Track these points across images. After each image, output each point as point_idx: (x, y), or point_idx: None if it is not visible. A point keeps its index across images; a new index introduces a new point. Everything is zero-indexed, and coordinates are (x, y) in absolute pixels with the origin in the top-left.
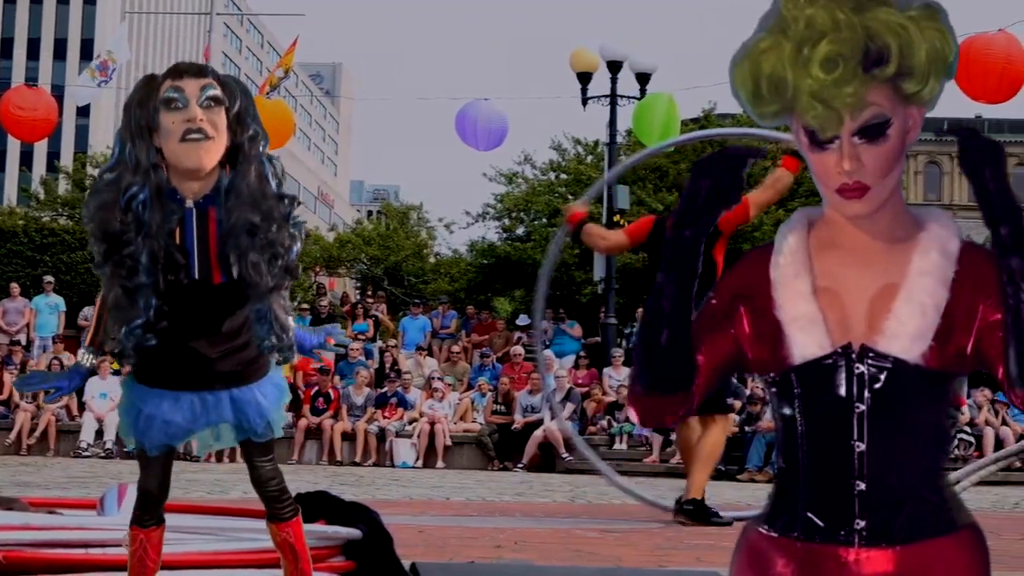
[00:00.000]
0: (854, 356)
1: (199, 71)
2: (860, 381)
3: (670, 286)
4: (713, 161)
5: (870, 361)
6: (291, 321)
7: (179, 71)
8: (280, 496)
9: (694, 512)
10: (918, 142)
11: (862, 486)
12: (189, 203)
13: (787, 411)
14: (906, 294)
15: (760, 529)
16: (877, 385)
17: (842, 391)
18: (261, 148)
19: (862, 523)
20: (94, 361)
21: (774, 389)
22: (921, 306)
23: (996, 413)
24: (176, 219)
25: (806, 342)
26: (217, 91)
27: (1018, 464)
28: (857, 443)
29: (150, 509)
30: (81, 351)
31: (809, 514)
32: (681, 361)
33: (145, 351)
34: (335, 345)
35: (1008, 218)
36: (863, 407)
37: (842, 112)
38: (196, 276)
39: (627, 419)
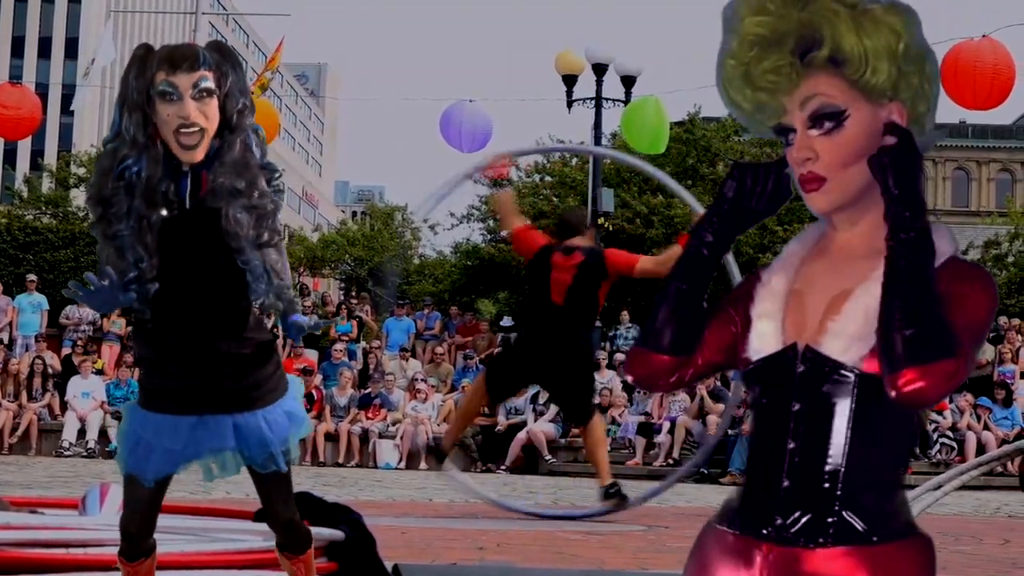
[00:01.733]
0: (798, 356)
1: (192, 64)
2: (801, 380)
3: (708, 244)
4: (741, 166)
5: (811, 362)
6: (288, 278)
7: (173, 64)
8: (293, 529)
9: (617, 491)
10: None
11: (786, 484)
12: (185, 167)
13: (751, 406)
14: (855, 296)
15: (713, 523)
16: (815, 386)
17: (784, 390)
18: (248, 120)
19: (779, 520)
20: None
21: (744, 387)
22: (864, 309)
23: (978, 418)
24: (170, 176)
25: (760, 339)
26: (209, 82)
27: (999, 469)
28: (789, 441)
29: (135, 544)
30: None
31: (740, 507)
32: (687, 325)
33: (148, 360)
34: (311, 326)
35: (909, 205)
36: (799, 406)
37: (774, 95)
38: (188, 206)
39: (612, 421)
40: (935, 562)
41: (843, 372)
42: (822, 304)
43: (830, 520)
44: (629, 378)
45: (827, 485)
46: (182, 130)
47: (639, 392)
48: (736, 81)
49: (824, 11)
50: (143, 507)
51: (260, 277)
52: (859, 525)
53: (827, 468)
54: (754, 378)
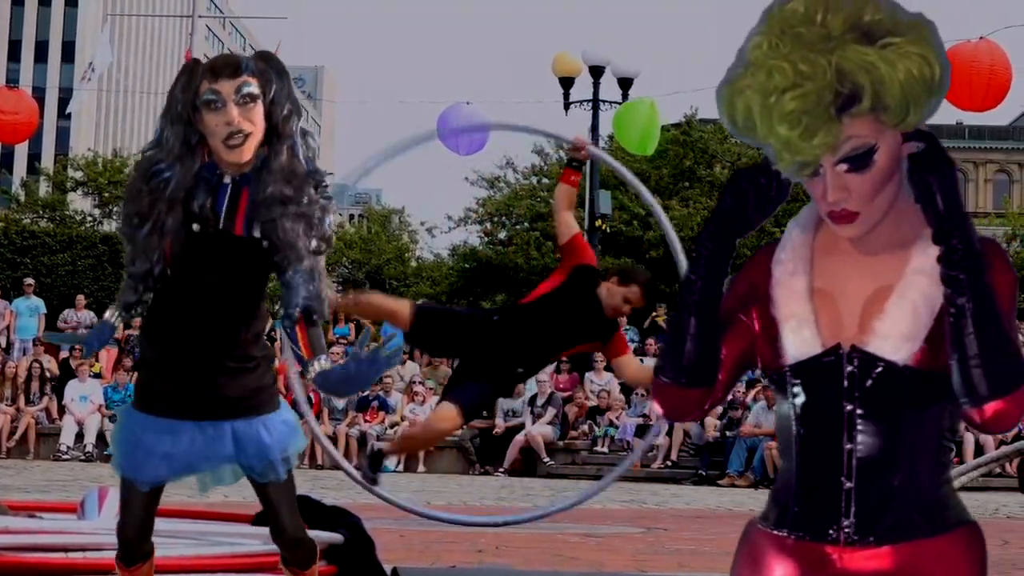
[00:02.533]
0: (844, 357)
1: (234, 71)
2: (850, 381)
3: (696, 283)
4: (742, 176)
5: (859, 362)
6: (326, 291)
7: (216, 72)
8: (299, 546)
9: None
10: None
11: (849, 485)
12: (227, 179)
13: (784, 409)
14: (898, 294)
15: (759, 525)
16: (866, 386)
17: (832, 391)
18: (294, 127)
19: (848, 522)
20: (118, 321)
21: (773, 387)
22: (913, 306)
23: None
24: (208, 189)
25: (797, 342)
26: (252, 87)
27: (998, 470)
28: (846, 443)
29: (133, 548)
30: (110, 309)
31: (799, 511)
32: (707, 354)
33: (150, 362)
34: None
35: (957, 229)
36: (852, 407)
37: (818, 157)
38: (220, 226)
39: (610, 423)
40: (985, 545)
41: (895, 370)
42: (857, 302)
43: (895, 518)
44: (660, 411)
45: (891, 483)
46: (229, 140)
47: (637, 394)
48: (777, 147)
49: (857, 60)
50: (139, 511)
51: (295, 289)
52: (921, 519)
53: (887, 466)
54: (795, 381)
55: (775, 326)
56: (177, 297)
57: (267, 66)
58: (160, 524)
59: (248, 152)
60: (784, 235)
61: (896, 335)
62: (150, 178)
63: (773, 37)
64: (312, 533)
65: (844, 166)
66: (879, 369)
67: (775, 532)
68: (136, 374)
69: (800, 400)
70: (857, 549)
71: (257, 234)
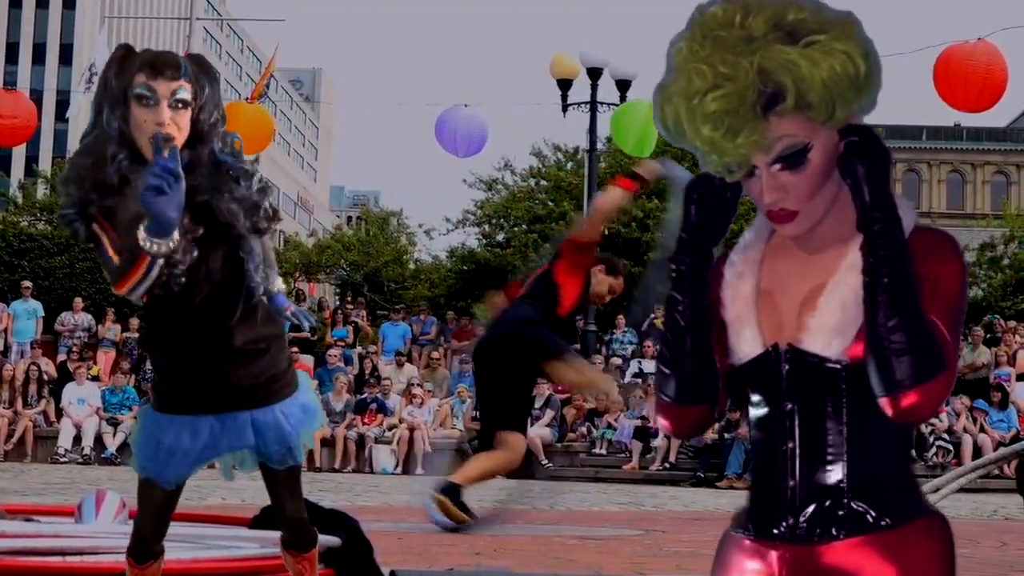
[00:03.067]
0: (781, 356)
1: (173, 73)
2: (787, 380)
3: (682, 301)
4: (697, 184)
5: (794, 360)
6: (275, 273)
7: (155, 70)
8: (301, 528)
9: (450, 493)
10: (897, 150)
11: (793, 483)
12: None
13: (747, 412)
14: (829, 290)
15: (729, 530)
16: (802, 383)
17: (773, 391)
18: (218, 132)
19: (794, 520)
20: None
21: (728, 391)
22: (841, 301)
23: (974, 420)
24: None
25: (740, 344)
26: (186, 93)
27: (996, 472)
28: (788, 441)
29: (147, 546)
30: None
31: (754, 511)
32: (703, 370)
33: (160, 367)
34: (294, 317)
35: (880, 216)
36: (792, 405)
37: (746, 159)
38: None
39: (608, 425)
40: (952, 540)
41: (829, 365)
42: (795, 301)
43: (841, 513)
44: (667, 429)
45: (833, 478)
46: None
47: (635, 396)
48: (703, 151)
49: (779, 59)
50: (159, 509)
51: (258, 266)
52: (870, 513)
53: (830, 462)
54: (742, 383)
55: (724, 330)
56: (169, 294)
57: (201, 71)
58: None
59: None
60: (740, 239)
61: (825, 330)
62: (118, 168)
63: (694, 42)
64: None
65: (778, 166)
66: (813, 365)
67: (733, 533)
68: (134, 376)
69: (747, 402)
70: (802, 547)
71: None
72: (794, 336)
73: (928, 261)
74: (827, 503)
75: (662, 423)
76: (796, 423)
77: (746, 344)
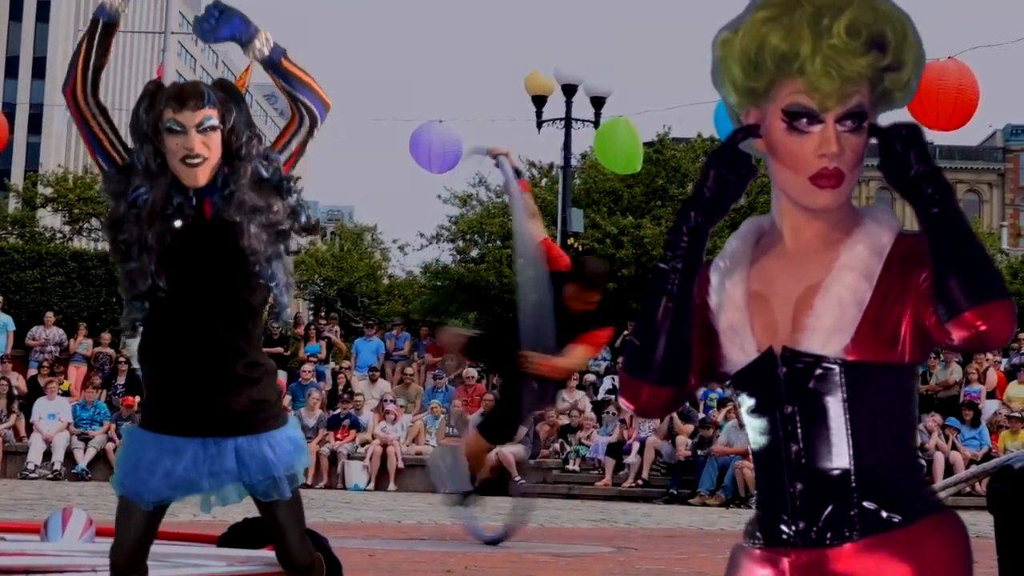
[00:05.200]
0: (777, 359)
1: (197, 104)
2: (787, 383)
3: (677, 275)
4: (722, 153)
5: (792, 362)
6: (288, 299)
7: (180, 102)
8: (307, 573)
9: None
10: (869, 168)
11: (799, 487)
12: (191, 193)
13: (742, 419)
14: (824, 289)
15: (741, 543)
16: (801, 385)
17: (771, 395)
18: (255, 151)
19: (801, 524)
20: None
21: (735, 398)
22: (838, 299)
23: (946, 438)
24: (178, 205)
25: (734, 351)
26: (214, 120)
27: (967, 490)
28: (791, 445)
29: (126, 574)
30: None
31: (762, 518)
32: (680, 350)
33: (152, 380)
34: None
35: (927, 164)
36: (792, 408)
37: (849, 86)
38: (190, 219)
39: (580, 442)
40: (968, 537)
41: (827, 365)
42: (789, 302)
43: (852, 513)
44: (629, 407)
45: (840, 479)
46: (186, 160)
47: (608, 412)
48: (820, 61)
49: (890, 15)
50: (136, 532)
51: (284, 291)
52: (881, 512)
53: (835, 462)
54: (740, 389)
55: (715, 335)
56: (170, 308)
57: (227, 95)
58: None
59: (204, 175)
60: (724, 247)
61: (823, 329)
62: (134, 201)
63: None
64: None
65: (848, 123)
66: (811, 366)
67: (744, 545)
68: (105, 391)
69: (747, 408)
70: (814, 550)
71: (238, 218)
72: (790, 338)
73: (920, 261)
74: (836, 504)
75: (624, 401)
76: (798, 425)
77: (740, 349)
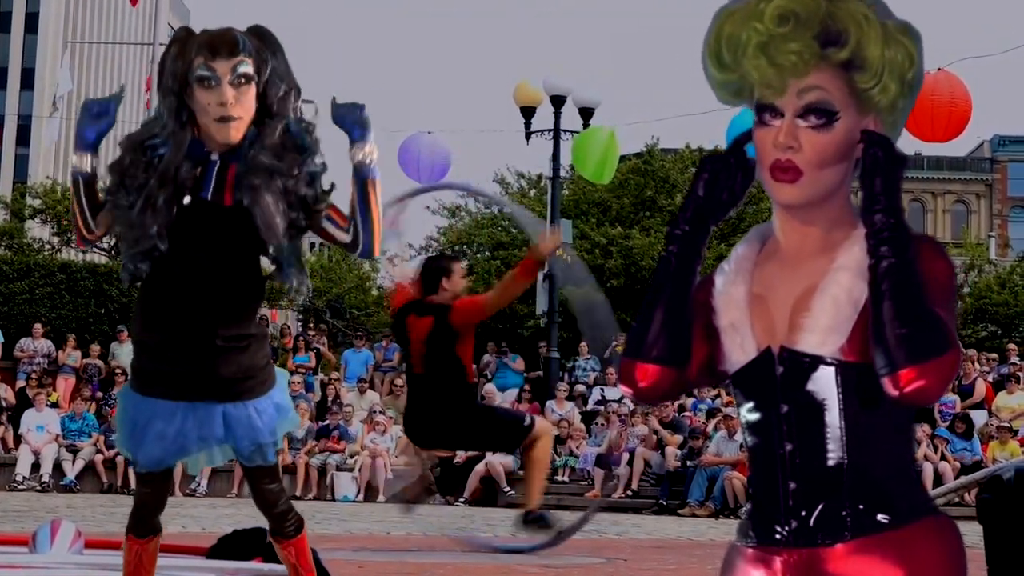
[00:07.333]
0: (775, 359)
1: (231, 50)
2: (783, 382)
3: (673, 260)
4: (711, 160)
5: (789, 361)
6: (306, 270)
7: (213, 50)
8: (285, 515)
9: (540, 522)
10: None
11: (793, 486)
12: (214, 156)
13: (740, 419)
14: (821, 289)
15: (734, 542)
16: (797, 384)
17: (767, 395)
18: (291, 105)
19: (794, 523)
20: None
21: (735, 397)
22: (834, 299)
23: (935, 448)
24: (197, 168)
25: (734, 350)
26: (248, 67)
27: (957, 499)
28: (786, 444)
29: (145, 520)
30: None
31: (756, 518)
32: (677, 328)
33: (144, 343)
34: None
35: (886, 203)
36: (787, 408)
37: (786, 75)
38: (208, 197)
39: (570, 452)
40: (962, 541)
41: (823, 365)
42: (787, 304)
43: (844, 514)
44: (628, 392)
45: (834, 480)
46: (221, 119)
47: (597, 424)
48: (752, 48)
49: (854, 12)
50: (152, 484)
51: (292, 264)
52: (875, 513)
53: (830, 463)
54: (739, 389)
55: (717, 336)
56: (169, 275)
57: (263, 44)
58: (109, 558)
59: (238, 133)
60: (730, 253)
61: (820, 329)
62: (145, 151)
63: None
64: (267, 567)
65: (808, 119)
66: (808, 365)
67: (737, 544)
68: (93, 403)
69: (745, 407)
70: (807, 550)
71: (247, 202)
72: (787, 338)
73: (916, 261)
74: (829, 504)
75: (624, 386)
76: (793, 425)
77: (740, 349)
